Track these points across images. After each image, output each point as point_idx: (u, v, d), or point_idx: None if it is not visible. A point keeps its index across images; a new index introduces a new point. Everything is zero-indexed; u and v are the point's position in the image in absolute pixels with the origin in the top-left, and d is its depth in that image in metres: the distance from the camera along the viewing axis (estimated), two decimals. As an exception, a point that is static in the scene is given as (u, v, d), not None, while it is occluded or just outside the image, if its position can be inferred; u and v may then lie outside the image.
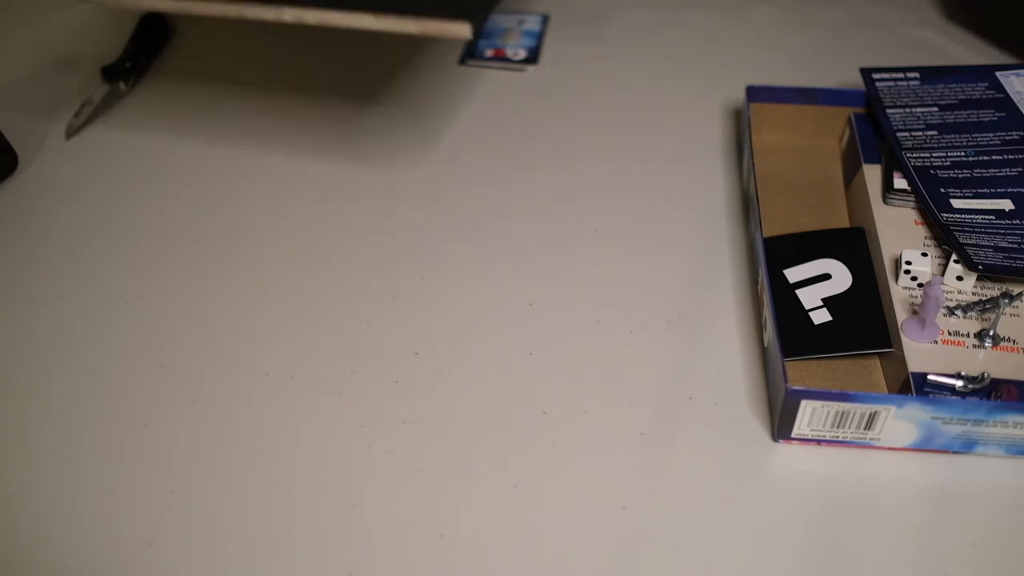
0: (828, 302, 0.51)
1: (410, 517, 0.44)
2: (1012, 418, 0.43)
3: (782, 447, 0.47)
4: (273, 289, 0.56)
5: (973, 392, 0.46)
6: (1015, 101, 0.60)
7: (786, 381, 0.45)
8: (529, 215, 0.60)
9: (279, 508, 0.45)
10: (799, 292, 0.52)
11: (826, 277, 0.52)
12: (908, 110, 0.60)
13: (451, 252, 0.58)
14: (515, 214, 0.60)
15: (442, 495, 0.45)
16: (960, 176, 0.56)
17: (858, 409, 0.44)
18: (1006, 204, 0.54)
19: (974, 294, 0.51)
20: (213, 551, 0.43)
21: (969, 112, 0.60)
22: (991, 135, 0.58)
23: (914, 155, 0.57)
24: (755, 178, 0.57)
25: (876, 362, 0.50)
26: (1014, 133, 0.58)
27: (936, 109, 0.60)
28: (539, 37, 0.77)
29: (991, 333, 0.48)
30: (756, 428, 0.47)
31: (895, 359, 0.48)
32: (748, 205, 0.59)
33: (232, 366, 0.51)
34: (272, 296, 0.55)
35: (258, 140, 0.67)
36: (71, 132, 0.67)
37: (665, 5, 0.80)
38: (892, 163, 0.57)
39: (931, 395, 0.46)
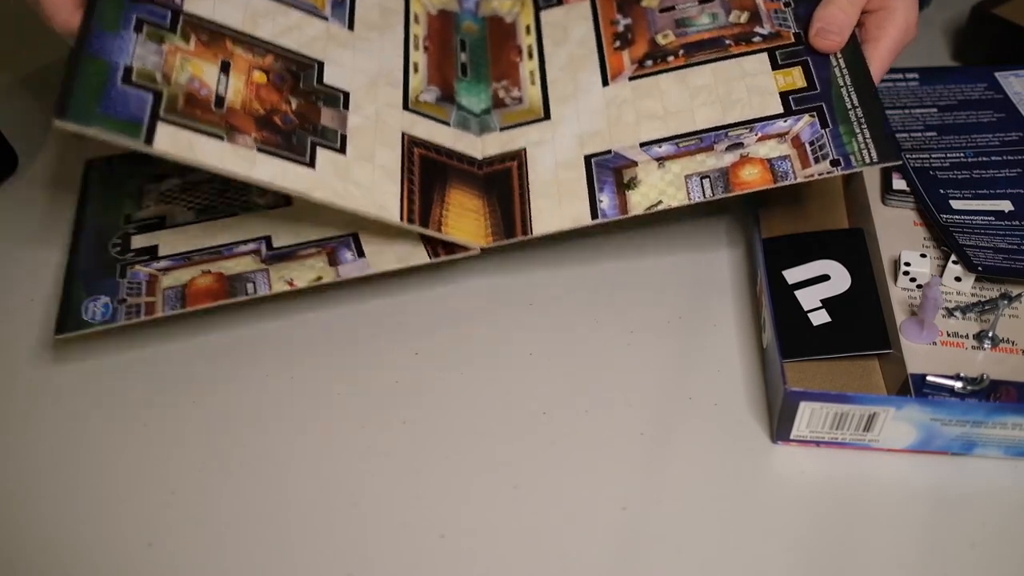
0: (827, 303, 0.51)
1: (410, 517, 0.44)
2: (1011, 419, 0.44)
3: (781, 448, 0.47)
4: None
5: (972, 393, 0.46)
6: (1014, 102, 0.60)
7: (785, 382, 0.45)
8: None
9: (279, 508, 0.45)
10: (798, 293, 0.52)
11: (825, 278, 0.52)
12: (907, 111, 0.60)
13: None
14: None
15: (442, 495, 0.45)
16: (959, 177, 0.56)
17: (857, 410, 0.44)
18: (1005, 205, 0.54)
19: (973, 295, 0.51)
20: (213, 551, 0.43)
21: (968, 113, 0.60)
22: (990, 136, 0.58)
23: (913, 156, 0.57)
24: (755, 179, 0.57)
25: (875, 363, 0.50)
26: (1013, 134, 0.58)
27: (935, 110, 0.60)
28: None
29: (990, 334, 0.48)
30: (755, 429, 0.48)
31: (894, 360, 0.48)
32: (747, 206, 0.59)
33: (232, 365, 0.51)
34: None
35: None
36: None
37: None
38: (891, 164, 0.57)
39: (930, 396, 0.46)
